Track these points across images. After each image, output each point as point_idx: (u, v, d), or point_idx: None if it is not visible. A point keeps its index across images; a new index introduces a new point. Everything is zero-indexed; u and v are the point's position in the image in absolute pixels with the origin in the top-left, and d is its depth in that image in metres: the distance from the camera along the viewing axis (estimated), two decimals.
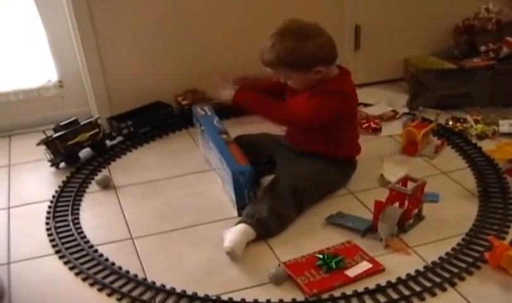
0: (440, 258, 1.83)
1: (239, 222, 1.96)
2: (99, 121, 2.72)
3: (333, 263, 1.79)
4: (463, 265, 1.80)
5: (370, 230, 1.96)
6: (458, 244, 1.89)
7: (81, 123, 2.65)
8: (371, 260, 1.82)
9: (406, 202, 1.95)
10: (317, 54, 2.07)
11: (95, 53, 2.83)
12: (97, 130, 2.67)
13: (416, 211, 2.00)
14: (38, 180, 2.49)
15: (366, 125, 2.74)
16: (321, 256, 1.82)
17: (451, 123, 2.73)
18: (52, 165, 2.54)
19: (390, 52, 3.29)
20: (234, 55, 3.03)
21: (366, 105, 2.97)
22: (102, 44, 2.82)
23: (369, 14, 3.18)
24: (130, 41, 2.88)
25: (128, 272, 1.83)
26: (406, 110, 2.92)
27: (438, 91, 2.88)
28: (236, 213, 2.09)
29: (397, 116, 2.87)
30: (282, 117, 2.20)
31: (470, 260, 1.81)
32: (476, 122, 2.69)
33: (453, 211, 2.09)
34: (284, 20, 2.11)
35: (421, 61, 3.18)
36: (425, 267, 1.79)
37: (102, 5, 2.75)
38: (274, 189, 2.09)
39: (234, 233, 1.91)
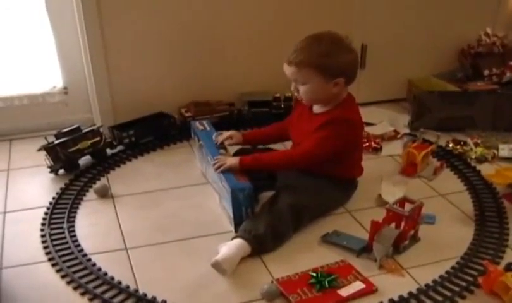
0: (434, 281, 1.82)
1: (236, 237, 1.96)
2: (101, 129, 2.72)
3: (326, 282, 1.78)
4: (456, 289, 1.79)
5: (365, 249, 1.96)
6: (452, 267, 1.89)
7: (83, 130, 2.66)
8: (364, 280, 1.81)
9: (403, 224, 1.95)
10: (345, 68, 2.10)
11: (102, 62, 2.84)
12: (98, 138, 2.68)
13: (412, 232, 2.00)
14: (37, 186, 2.49)
15: (367, 144, 2.73)
16: (314, 274, 1.82)
17: (451, 145, 2.72)
18: (51, 171, 2.55)
19: (395, 72, 3.30)
20: (239, 69, 3.06)
21: (368, 124, 2.96)
22: (109, 53, 2.84)
23: (376, 34, 3.19)
24: (137, 52, 2.90)
25: (120, 282, 1.83)
26: (408, 131, 2.92)
27: (441, 113, 2.88)
28: (232, 229, 2.09)
29: (398, 136, 2.87)
30: (292, 162, 2.18)
31: (464, 284, 1.81)
32: (476, 145, 2.69)
33: (449, 233, 2.09)
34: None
35: (424, 82, 3.18)
36: (418, 289, 1.79)
37: (112, 15, 2.77)
38: (273, 206, 2.08)
39: (229, 247, 1.90)
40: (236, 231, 2.04)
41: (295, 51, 2.09)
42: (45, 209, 2.27)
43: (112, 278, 1.85)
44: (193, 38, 2.94)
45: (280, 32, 2.98)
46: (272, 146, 2.45)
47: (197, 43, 2.95)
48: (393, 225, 1.97)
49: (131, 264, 1.94)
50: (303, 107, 2.27)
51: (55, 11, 2.82)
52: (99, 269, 1.90)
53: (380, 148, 2.75)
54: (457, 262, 1.91)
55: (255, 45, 3.02)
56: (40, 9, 2.80)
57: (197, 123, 2.57)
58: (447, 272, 1.86)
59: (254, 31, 3.01)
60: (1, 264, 1.95)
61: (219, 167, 2.14)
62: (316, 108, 2.22)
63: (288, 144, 2.46)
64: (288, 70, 2.12)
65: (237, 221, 2.06)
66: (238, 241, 1.93)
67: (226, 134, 2.40)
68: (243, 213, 2.06)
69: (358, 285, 1.79)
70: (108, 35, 2.80)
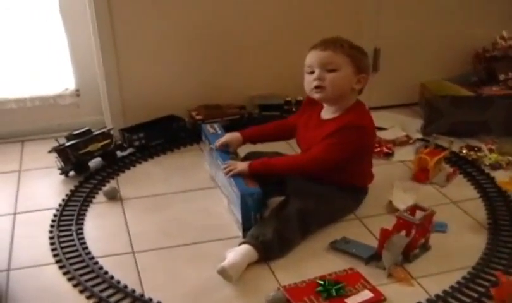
0: (444, 291, 1.79)
1: (243, 242, 1.94)
2: (111, 132, 2.72)
3: (333, 290, 1.76)
4: (467, 300, 1.75)
5: (374, 257, 1.93)
6: (464, 277, 1.85)
7: (94, 133, 2.66)
8: (372, 289, 1.79)
9: (413, 232, 1.92)
10: (368, 69, 2.19)
11: (113, 65, 2.85)
12: (108, 140, 2.68)
13: (422, 240, 1.97)
14: (47, 188, 2.49)
15: (379, 149, 2.70)
16: (322, 282, 1.79)
17: (464, 151, 2.69)
18: (61, 173, 2.55)
19: (408, 75, 3.26)
20: (250, 72, 3.05)
21: (379, 129, 2.93)
22: (120, 56, 2.85)
23: (389, 38, 3.16)
24: (148, 55, 2.90)
25: (125, 286, 1.82)
26: (420, 136, 2.88)
27: (453, 118, 2.85)
28: (240, 234, 2.07)
29: (411, 141, 2.84)
30: (302, 167, 2.16)
31: (475, 295, 1.77)
32: (491, 151, 2.65)
33: (461, 242, 2.05)
34: None
35: (437, 86, 3.14)
36: (428, 299, 1.76)
37: (124, 18, 2.78)
38: (281, 212, 2.06)
39: (236, 254, 1.88)
40: (244, 236, 2.03)
41: (330, 40, 2.12)
42: (54, 211, 2.28)
43: (118, 282, 1.84)
44: (204, 41, 2.93)
45: (292, 35, 2.96)
46: (279, 148, 2.43)
47: (208, 46, 2.94)
48: (403, 232, 1.94)
49: (137, 268, 1.93)
50: (311, 114, 2.25)
51: (68, 13, 2.83)
52: (106, 273, 1.89)
53: (392, 153, 2.72)
54: (469, 273, 1.87)
55: (266, 47, 3.00)
56: (54, 11, 2.81)
57: (208, 126, 2.56)
58: (458, 282, 1.83)
59: (265, 34, 3.00)
60: (9, 266, 1.96)
61: (229, 172, 2.13)
62: (325, 114, 2.20)
63: (293, 144, 2.44)
64: (318, 56, 2.11)
65: (246, 226, 2.04)
66: (245, 247, 1.91)
67: (221, 140, 2.36)
68: (251, 218, 2.04)
69: (366, 294, 1.77)
70: (119, 37, 2.80)
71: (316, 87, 2.12)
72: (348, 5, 3.05)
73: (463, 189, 2.43)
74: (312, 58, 2.13)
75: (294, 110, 2.97)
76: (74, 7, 2.80)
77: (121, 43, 2.81)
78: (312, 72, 2.13)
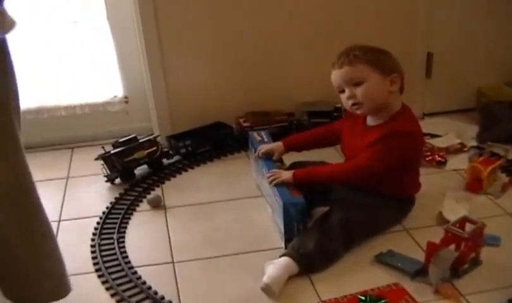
0: None
1: (284, 254, 1.89)
2: (158, 139, 2.72)
3: None
4: None
5: (420, 272, 1.84)
6: None
7: (140, 140, 2.66)
8: None
9: (462, 246, 1.82)
10: (398, 65, 2.05)
11: (160, 72, 2.85)
12: (154, 148, 2.68)
13: (473, 255, 1.86)
14: (92, 195, 2.51)
15: (431, 157, 2.60)
16: (363, 298, 1.72)
17: None
18: (107, 181, 2.56)
19: (463, 80, 3.14)
20: (299, 78, 3.00)
21: (433, 136, 2.84)
22: (167, 63, 2.84)
23: (442, 41, 3.04)
24: (195, 61, 2.89)
25: (163, 298, 1.80)
26: (475, 143, 2.76)
27: (511, 124, 2.71)
28: (282, 244, 2.02)
29: (465, 149, 2.71)
30: (347, 176, 2.08)
31: None
32: None
33: None
34: None
35: (495, 91, 3.01)
36: None
37: (170, 25, 2.78)
38: (323, 223, 2.00)
39: (276, 267, 1.83)
40: (286, 247, 1.98)
41: (343, 54, 2.04)
42: (98, 219, 2.28)
43: (156, 293, 1.82)
44: (252, 46, 2.90)
45: (341, 41, 2.85)
46: (328, 156, 2.37)
47: (256, 52, 2.91)
48: (452, 246, 1.84)
49: (176, 278, 1.91)
50: (356, 121, 2.16)
51: (116, 22, 2.85)
52: (144, 283, 1.88)
53: (445, 162, 2.61)
54: None
55: (315, 52, 2.94)
56: (102, 20, 2.84)
57: (255, 134, 2.52)
58: (510, 300, 1.72)
59: (315, 39, 2.94)
60: None
61: (273, 180, 2.08)
62: (371, 121, 2.12)
63: (338, 148, 2.37)
64: (339, 74, 2.04)
65: (288, 237, 1.99)
66: (285, 260, 1.86)
67: (266, 148, 2.32)
68: (294, 229, 1.99)
69: None
70: (166, 45, 2.80)
71: (353, 104, 2.06)
72: (399, 9, 2.96)
73: None
74: (335, 78, 2.07)
75: (344, 116, 2.89)
76: (122, 14, 2.82)
77: (168, 50, 2.81)
78: (343, 91, 2.06)
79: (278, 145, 2.32)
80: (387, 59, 2.03)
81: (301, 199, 1.99)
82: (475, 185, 2.35)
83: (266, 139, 2.45)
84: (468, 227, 1.86)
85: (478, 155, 2.47)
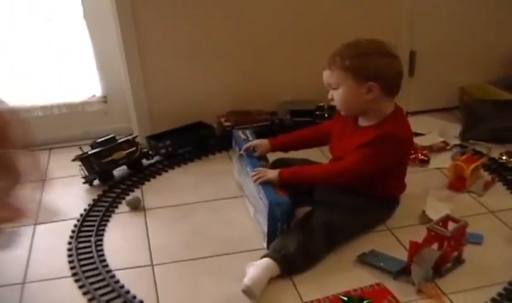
0: None
1: (265, 256, 1.86)
2: (137, 139, 2.67)
3: None
4: None
5: (403, 272, 1.82)
6: (499, 294, 1.73)
7: (119, 141, 2.62)
8: None
9: (445, 245, 1.80)
10: (381, 73, 1.94)
11: (139, 71, 2.80)
12: (134, 148, 2.63)
13: (455, 254, 1.85)
14: (70, 197, 2.45)
15: (414, 156, 2.58)
16: (346, 298, 1.69)
17: (504, 158, 2.54)
18: (85, 182, 2.51)
19: (447, 79, 3.12)
20: (281, 77, 2.97)
21: (416, 135, 2.80)
22: (146, 62, 2.79)
23: (425, 40, 3.03)
24: (175, 61, 2.84)
25: (141, 302, 1.76)
26: (458, 142, 2.75)
27: (494, 123, 2.70)
28: (264, 245, 1.98)
29: (448, 148, 2.70)
30: (334, 177, 2.04)
31: None
32: None
33: (497, 255, 1.93)
34: None
35: (478, 90, 3.00)
36: None
37: (148, 23, 2.72)
38: (305, 224, 1.97)
39: (257, 268, 1.80)
40: (267, 247, 1.95)
41: (331, 54, 2.00)
42: (75, 222, 2.23)
43: (134, 297, 1.79)
44: (232, 45, 2.86)
45: (324, 39, 2.83)
46: (309, 155, 2.34)
47: (236, 51, 2.87)
48: (435, 245, 1.82)
49: (155, 282, 1.87)
50: (347, 120, 2.12)
51: (93, 19, 2.79)
52: (122, 287, 1.84)
53: (428, 160, 2.59)
54: (505, 288, 1.75)
55: (297, 51, 2.91)
56: (79, 18, 2.78)
57: (240, 132, 2.49)
58: (492, 299, 1.71)
59: (297, 38, 2.91)
60: (25, 278, 1.92)
61: (258, 179, 2.05)
62: (362, 121, 2.08)
63: (326, 151, 2.32)
64: (324, 74, 2.03)
65: (271, 237, 1.96)
66: (266, 261, 1.82)
67: (250, 143, 2.30)
68: (277, 229, 1.96)
69: None
70: (144, 43, 2.75)
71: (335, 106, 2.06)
72: (382, 8, 2.93)
73: (501, 197, 2.30)
74: (323, 78, 2.05)
75: (326, 115, 2.86)
76: (99, 12, 2.76)
77: (147, 49, 2.76)
78: None
79: (263, 142, 2.29)
80: (366, 65, 1.94)
81: (286, 199, 1.96)
82: (457, 183, 2.34)
83: (251, 138, 2.42)
84: (451, 226, 1.84)
85: (461, 153, 2.46)
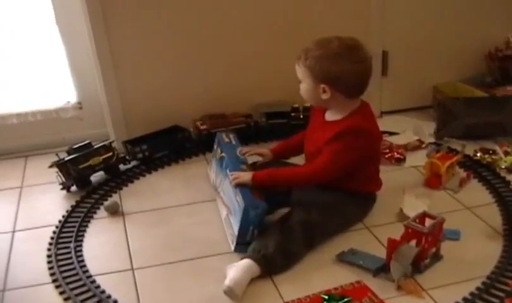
0: None
1: (245, 256, 1.86)
2: (113, 144, 2.66)
3: None
4: None
5: (382, 269, 1.84)
6: (477, 288, 1.75)
7: (95, 146, 2.60)
8: None
9: (423, 241, 1.82)
10: (340, 77, 1.98)
11: (112, 76, 2.79)
12: (110, 153, 2.62)
13: (433, 250, 1.87)
14: (48, 204, 2.44)
15: (389, 155, 2.61)
16: (326, 297, 1.71)
17: (479, 154, 2.58)
18: (63, 188, 2.50)
19: (419, 78, 3.16)
20: (255, 80, 2.97)
21: (391, 134, 2.85)
22: (120, 67, 2.79)
23: (397, 40, 3.06)
24: (149, 64, 2.84)
25: None
26: (432, 140, 2.78)
27: (467, 120, 2.74)
28: (232, 248, 1.99)
29: (423, 146, 2.73)
30: (307, 179, 2.08)
31: None
32: (506, 154, 2.54)
33: (475, 250, 1.95)
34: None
35: (450, 88, 3.04)
36: None
37: (121, 28, 2.72)
38: (284, 224, 1.98)
39: (238, 269, 1.80)
40: (235, 250, 1.96)
41: (302, 48, 2.06)
42: (54, 228, 2.22)
43: (116, 301, 1.79)
44: (206, 49, 2.86)
45: (297, 41, 2.84)
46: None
47: (211, 54, 2.88)
48: (413, 242, 1.84)
49: (136, 285, 1.87)
50: (317, 115, 2.17)
51: (65, 25, 2.77)
52: (103, 292, 1.83)
53: (404, 159, 2.62)
54: (483, 282, 1.77)
55: (270, 53, 2.93)
56: (51, 23, 2.76)
57: (223, 135, 2.48)
58: (471, 293, 1.73)
59: (269, 39, 2.92)
60: (5, 286, 1.91)
61: (234, 180, 2.06)
62: (329, 116, 2.12)
63: None
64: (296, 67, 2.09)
65: (240, 240, 1.96)
66: (247, 262, 1.83)
67: (255, 150, 2.34)
68: (248, 233, 1.95)
69: None
70: (117, 48, 2.74)
71: None
72: (353, 8, 2.96)
73: (477, 193, 2.33)
74: None
75: (301, 117, 2.88)
76: (70, 18, 2.74)
77: (120, 53, 2.75)
78: None
79: (266, 152, 2.34)
80: (325, 68, 1.97)
81: (262, 203, 1.96)
82: (433, 180, 2.37)
83: (233, 142, 2.43)
84: (428, 222, 1.86)
85: (436, 151, 2.49)
